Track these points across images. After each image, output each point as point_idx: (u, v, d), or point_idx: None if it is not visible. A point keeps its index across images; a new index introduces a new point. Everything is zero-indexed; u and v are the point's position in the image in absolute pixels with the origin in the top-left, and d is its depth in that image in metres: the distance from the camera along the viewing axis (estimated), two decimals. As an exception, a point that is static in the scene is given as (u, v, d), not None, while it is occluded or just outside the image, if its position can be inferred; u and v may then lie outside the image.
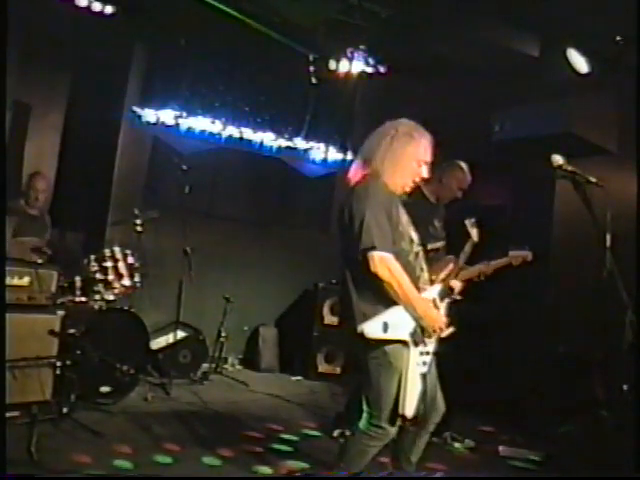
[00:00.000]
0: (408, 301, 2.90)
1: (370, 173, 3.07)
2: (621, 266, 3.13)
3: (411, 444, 3.22)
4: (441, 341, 3.09)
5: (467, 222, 3.42)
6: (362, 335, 2.92)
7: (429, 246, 3.87)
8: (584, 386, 4.74)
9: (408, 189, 3.15)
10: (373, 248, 2.86)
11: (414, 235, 3.13)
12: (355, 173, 3.14)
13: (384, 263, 2.86)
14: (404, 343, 2.93)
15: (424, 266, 3.14)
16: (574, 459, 4.25)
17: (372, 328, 2.91)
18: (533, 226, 5.73)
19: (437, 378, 3.19)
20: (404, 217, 3.10)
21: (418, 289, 2.99)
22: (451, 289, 3.25)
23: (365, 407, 3.02)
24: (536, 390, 5.25)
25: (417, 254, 3.10)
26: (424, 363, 2.99)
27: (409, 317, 2.94)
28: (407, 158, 3.07)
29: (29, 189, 5.41)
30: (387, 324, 2.91)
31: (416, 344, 2.95)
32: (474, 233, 3.38)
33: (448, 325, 3.07)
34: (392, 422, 2.96)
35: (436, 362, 3.14)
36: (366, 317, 2.92)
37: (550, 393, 5.12)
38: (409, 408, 2.92)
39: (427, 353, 3.01)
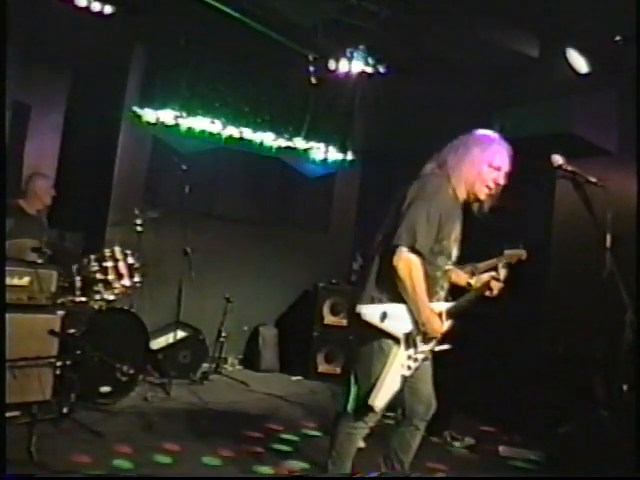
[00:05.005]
0: (416, 304, 2.92)
1: (444, 175, 3.07)
2: (621, 266, 3.12)
3: (400, 440, 3.23)
4: (435, 353, 3.11)
5: (499, 263, 3.21)
6: (359, 316, 2.96)
7: None
8: (584, 386, 4.74)
9: (480, 196, 3.11)
10: (408, 247, 2.87)
11: (455, 253, 3.12)
12: (430, 169, 3.11)
13: (408, 263, 2.87)
14: (395, 340, 2.95)
15: (445, 285, 3.13)
16: (574, 459, 4.24)
17: (371, 313, 2.94)
18: (533, 226, 5.72)
19: (432, 375, 3.20)
20: (455, 233, 3.08)
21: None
22: (490, 288, 3.16)
23: (353, 387, 3.04)
24: (536, 390, 5.24)
25: (445, 272, 3.10)
26: (409, 367, 3.01)
27: (410, 318, 2.95)
28: (474, 162, 3.05)
29: (28, 189, 5.40)
30: (386, 314, 2.93)
31: (407, 346, 2.97)
32: (502, 273, 3.19)
33: (444, 341, 3.08)
34: (364, 409, 2.98)
35: (435, 361, 3.15)
36: (372, 301, 2.95)
37: (550, 393, 5.11)
38: (379, 401, 2.94)
39: (415, 359, 3.02)
